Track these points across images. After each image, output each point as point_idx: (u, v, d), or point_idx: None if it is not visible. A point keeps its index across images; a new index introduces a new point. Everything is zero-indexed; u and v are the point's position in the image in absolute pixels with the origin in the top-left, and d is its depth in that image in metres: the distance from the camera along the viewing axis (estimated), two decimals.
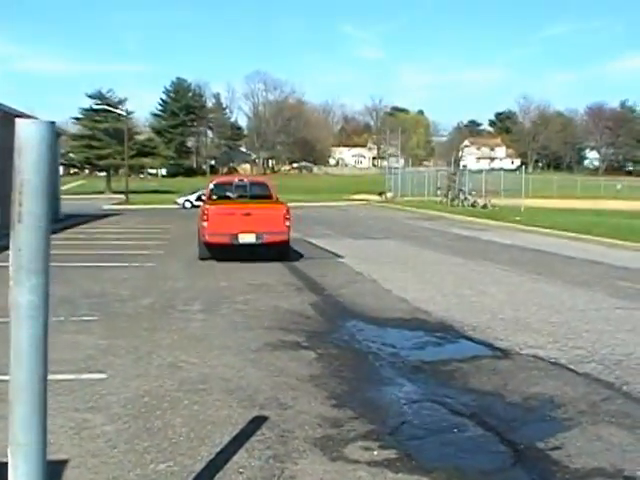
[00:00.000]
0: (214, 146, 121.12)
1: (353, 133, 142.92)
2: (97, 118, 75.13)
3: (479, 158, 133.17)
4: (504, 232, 25.06)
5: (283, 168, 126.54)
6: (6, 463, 2.56)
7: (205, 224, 14.53)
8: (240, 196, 16.69)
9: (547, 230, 24.19)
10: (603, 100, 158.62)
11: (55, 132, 2.56)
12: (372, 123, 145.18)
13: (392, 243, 20.18)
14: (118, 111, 61.28)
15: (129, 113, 61.79)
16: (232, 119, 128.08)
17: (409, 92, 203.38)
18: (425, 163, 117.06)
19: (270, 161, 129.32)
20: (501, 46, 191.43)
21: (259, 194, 16.84)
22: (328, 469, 4.24)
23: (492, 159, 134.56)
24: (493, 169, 73.23)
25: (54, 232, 21.79)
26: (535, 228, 25.19)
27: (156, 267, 14.08)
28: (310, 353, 7.16)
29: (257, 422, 5.03)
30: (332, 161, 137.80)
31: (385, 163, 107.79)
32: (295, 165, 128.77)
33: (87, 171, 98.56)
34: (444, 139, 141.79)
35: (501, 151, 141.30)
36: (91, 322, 8.57)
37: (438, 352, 7.39)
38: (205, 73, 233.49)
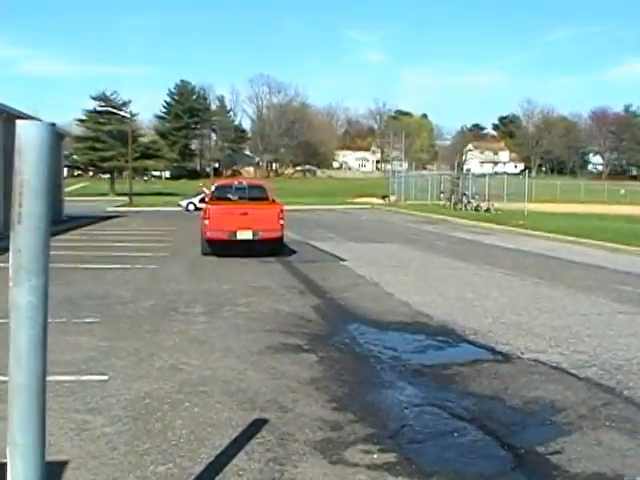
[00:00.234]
0: (218, 149, 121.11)
1: (357, 136, 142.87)
2: (101, 120, 75.29)
3: (482, 162, 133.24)
4: (507, 236, 25.05)
5: (287, 171, 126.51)
6: (5, 463, 2.57)
7: (207, 222, 16.10)
8: (239, 197, 18.13)
9: (550, 234, 24.18)
10: (607, 104, 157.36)
11: (55, 133, 2.56)
12: (376, 126, 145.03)
13: (395, 246, 20.17)
14: (122, 113, 61.35)
15: (133, 115, 61.78)
16: (236, 122, 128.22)
17: (413, 96, 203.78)
18: (429, 167, 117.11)
19: (274, 164, 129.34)
20: (505, 50, 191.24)
21: (256, 196, 18.29)
22: (328, 472, 4.24)
23: (495, 163, 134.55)
24: (497, 173, 73.28)
25: (57, 234, 21.85)
26: (538, 232, 25.16)
27: (158, 269, 14.10)
28: (311, 356, 7.16)
29: (257, 425, 5.03)
30: (336, 164, 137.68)
31: (389, 166, 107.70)
32: (299, 168, 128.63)
33: (91, 173, 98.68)
34: (448, 143, 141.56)
35: (505, 155, 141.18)
36: (93, 324, 8.58)
37: (439, 356, 7.39)
38: (209, 76, 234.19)
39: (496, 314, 9.60)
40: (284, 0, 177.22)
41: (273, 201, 17.99)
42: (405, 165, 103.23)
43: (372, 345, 7.73)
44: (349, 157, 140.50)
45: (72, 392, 5.73)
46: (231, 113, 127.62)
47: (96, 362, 6.74)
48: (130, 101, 78.03)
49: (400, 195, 54.73)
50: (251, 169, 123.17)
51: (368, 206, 50.75)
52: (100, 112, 71.47)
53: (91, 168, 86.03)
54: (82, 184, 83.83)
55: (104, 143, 74.58)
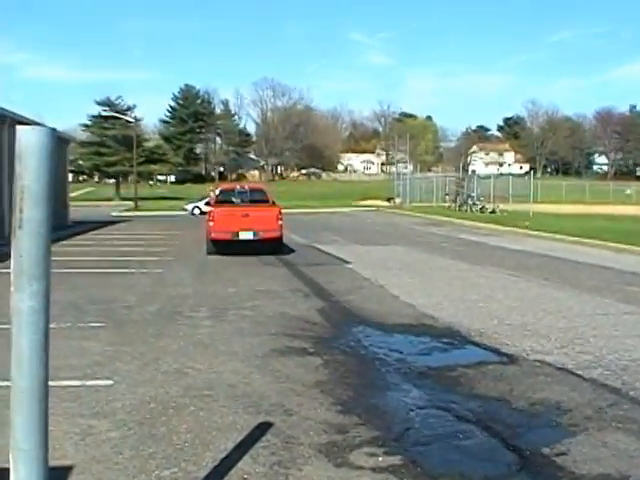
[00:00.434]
0: (222, 153, 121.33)
1: (361, 139, 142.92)
2: (106, 125, 75.58)
3: (487, 163, 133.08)
4: (512, 237, 25.00)
5: (292, 174, 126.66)
6: (7, 468, 2.57)
7: (211, 223, 17.48)
8: (241, 200, 19.45)
9: (555, 235, 24.11)
10: (612, 105, 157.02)
11: (56, 138, 2.57)
12: (380, 129, 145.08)
13: (400, 249, 20.15)
14: (127, 118, 61.61)
15: (138, 120, 62.12)
16: (240, 125, 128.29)
17: (417, 98, 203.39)
18: (433, 169, 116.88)
19: (279, 167, 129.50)
20: (509, 51, 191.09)
21: (257, 199, 19.64)
22: (332, 475, 4.22)
23: (500, 164, 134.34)
24: (502, 174, 73.01)
25: (63, 239, 21.91)
26: (543, 233, 25.10)
27: (164, 273, 14.12)
28: (316, 359, 7.15)
29: (262, 428, 5.02)
30: (340, 167, 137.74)
31: (393, 169, 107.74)
32: (304, 171, 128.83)
33: (96, 178, 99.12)
34: (452, 145, 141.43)
35: (509, 156, 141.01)
36: (98, 328, 8.59)
37: (444, 358, 7.37)
38: (213, 80, 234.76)
39: (501, 315, 9.58)
40: (288, 3, 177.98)
41: (273, 203, 19.24)
42: (410, 167, 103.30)
43: (377, 347, 7.72)
44: (354, 160, 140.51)
45: (77, 397, 5.73)
46: (236, 117, 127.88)
47: (101, 367, 6.75)
48: (135, 106, 78.53)
49: (405, 197, 54.72)
50: (256, 173, 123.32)
51: (373, 209, 50.76)
52: (105, 117, 71.83)
53: (96, 173, 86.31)
54: (87, 189, 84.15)
55: (109, 148, 74.86)
